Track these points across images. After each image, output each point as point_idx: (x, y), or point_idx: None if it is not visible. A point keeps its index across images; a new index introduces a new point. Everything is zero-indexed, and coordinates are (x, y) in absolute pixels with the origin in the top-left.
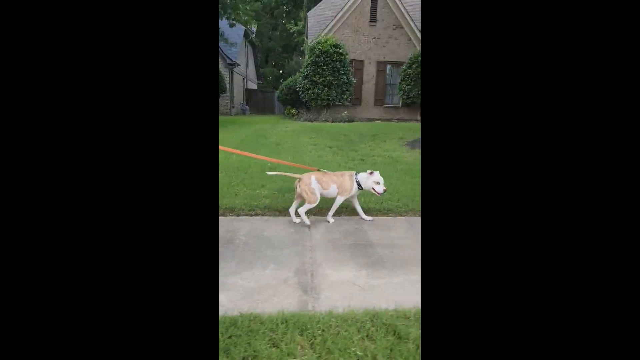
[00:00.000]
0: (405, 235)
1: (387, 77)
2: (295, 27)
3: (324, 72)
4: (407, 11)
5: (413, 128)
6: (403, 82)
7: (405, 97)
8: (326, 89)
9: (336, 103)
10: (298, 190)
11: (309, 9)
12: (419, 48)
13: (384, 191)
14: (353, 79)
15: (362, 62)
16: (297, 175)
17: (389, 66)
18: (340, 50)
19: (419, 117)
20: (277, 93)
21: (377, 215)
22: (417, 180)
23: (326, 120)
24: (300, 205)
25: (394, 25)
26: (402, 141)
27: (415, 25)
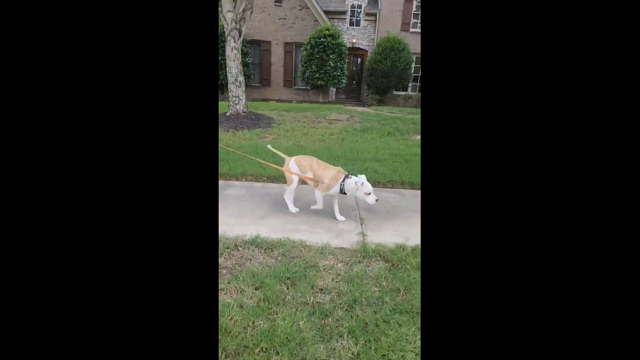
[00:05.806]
0: None
1: (297, 58)
2: None
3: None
4: None
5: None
6: (302, 64)
7: (301, 77)
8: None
9: None
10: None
11: None
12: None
13: (377, 200)
14: (249, 60)
15: (269, 42)
16: (284, 156)
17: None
18: None
19: (322, 100)
20: None
21: None
22: None
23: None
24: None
25: (299, 6)
26: None
27: (319, 6)
